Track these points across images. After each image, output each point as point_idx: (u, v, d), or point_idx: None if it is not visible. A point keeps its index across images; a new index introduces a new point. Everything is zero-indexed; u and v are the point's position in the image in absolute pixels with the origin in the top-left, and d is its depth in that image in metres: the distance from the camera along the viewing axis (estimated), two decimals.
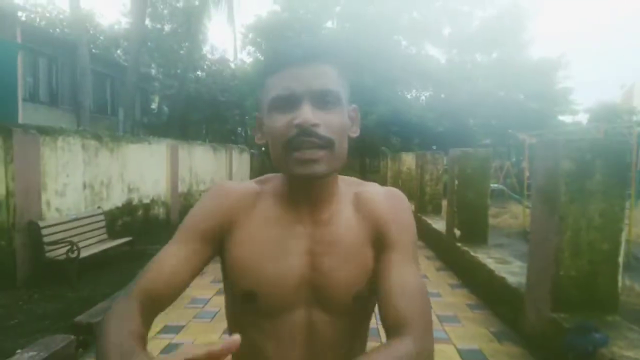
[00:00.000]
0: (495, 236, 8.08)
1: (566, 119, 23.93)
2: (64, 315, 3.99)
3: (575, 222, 3.08)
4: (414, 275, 0.79)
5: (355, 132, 0.85)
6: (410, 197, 11.64)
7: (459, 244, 5.68)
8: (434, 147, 18.75)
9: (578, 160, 3.05)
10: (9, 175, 4.72)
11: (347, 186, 0.90)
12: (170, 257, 0.80)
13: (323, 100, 0.75)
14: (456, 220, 5.92)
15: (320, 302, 0.82)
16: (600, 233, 3.08)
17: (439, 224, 7.16)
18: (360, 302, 0.83)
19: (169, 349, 3.44)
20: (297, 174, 0.75)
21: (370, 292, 0.84)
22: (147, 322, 0.76)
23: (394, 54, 19.87)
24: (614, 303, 3.10)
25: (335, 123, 0.76)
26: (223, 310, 3.26)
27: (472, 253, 5.15)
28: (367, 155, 31.30)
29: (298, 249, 0.82)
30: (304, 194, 0.83)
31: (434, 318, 4.06)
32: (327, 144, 0.74)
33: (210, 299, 4.65)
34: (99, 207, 6.55)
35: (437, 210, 8.64)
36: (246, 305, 0.83)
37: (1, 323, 3.85)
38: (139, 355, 0.63)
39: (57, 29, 18.71)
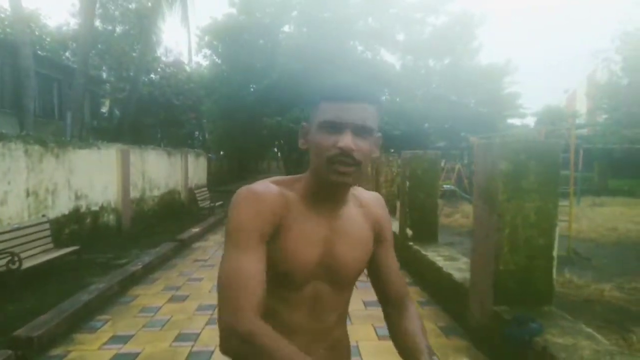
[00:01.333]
0: (447, 235, 8.36)
1: (515, 122, 25.09)
2: (4, 330, 3.78)
3: (513, 220, 3.25)
4: (394, 255, 1.21)
5: (375, 154, 1.06)
6: None
7: (410, 243, 5.83)
8: (392, 150, 19.14)
9: (514, 161, 3.22)
10: None
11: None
12: (251, 268, 0.93)
13: (362, 132, 0.97)
14: (408, 221, 6.08)
15: (328, 278, 1.07)
16: (536, 229, 3.26)
17: (393, 225, 7.32)
18: (356, 276, 1.11)
19: (118, 358, 3.35)
20: (333, 180, 0.97)
21: (362, 269, 1.14)
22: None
23: (350, 59, 20.15)
24: (549, 294, 3.29)
25: (365, 150, 0.98)
26: (174, 318, 3.23)
27: (422, 252, 5.31)
28: None
29: (320, 234, 1.05)
30: (329, 196, 1.05)
31: (383, 315, 4.18)
32: (357, 164, 0.97)
33: (160, 307, 4.55)
34: (43, 216, 6.26)
35: (392, 212, 8.82)
36: (275, 280, 1.01)
37: None
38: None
39: None
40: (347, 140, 0.94)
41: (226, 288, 0.91)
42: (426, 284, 5.08)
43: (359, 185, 1.23)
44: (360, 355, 3.37)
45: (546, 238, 3.27)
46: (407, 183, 6.14)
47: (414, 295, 4.89)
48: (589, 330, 2.86)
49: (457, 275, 4.23)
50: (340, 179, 0.97)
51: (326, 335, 1.11)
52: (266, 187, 1.03)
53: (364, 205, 1.15)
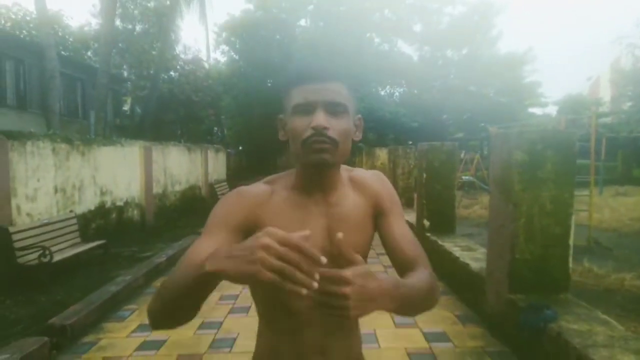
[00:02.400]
0: (466, 226, 8.34)
1: (536, 111, 24.67)
2: (37, 320, 3.99)
3: (529, 209, 3.27)
4: (407, 228, 1.13)
5: (358, 137, 1.07)
6: None
7: (428, 234, 5.87)
8: (410, 142, 19.07)
9: (530, 151, 3.24)
10: None
11: (343, 172, 1.12)
12: (204, 248, 0.91)
13: (333, 109, 0.96)
14: (425, 212, 6.12)
15: (336, 265, 1.01)
16: (552, 218, 3.28)
17: (410, 216, 7.35)
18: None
19: (146, 345, 3.51)
20: (312, 160, 0.96)
21: (367, 253, 1.13)
22: None
23: (368, 52, 20.10)
24: (565, 282, 3.31)
25: (340, 128, 0.97)
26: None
27: (439, 242, 5.35)
28: None
29: (318, 224, 1.03)
30: (316, 182, 1.04)
31: None
32: (333, 143, 0.96)
33: None
34: (71, 211, 6.51)
35: (409, 203, 8.86)
36: None
37: None
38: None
39: (24, 31, 18.24)
40: (318, 119, 0.94)
41: (177, 264, 0.92)
42: (443, 274, 5.12)
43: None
44: (377, 342, 3.46)
45: (562, 227, 3.28)
46: (424, 175, 6.17)
47: None
48: (605, 317, 2.88)
49: (474, 265, 4.27)
50: (317, 156, 0.95)
51: (340, 324, 1.08)
52: (251, 187, 1.06)
53: (359, 184, 1.12)
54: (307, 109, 0.96)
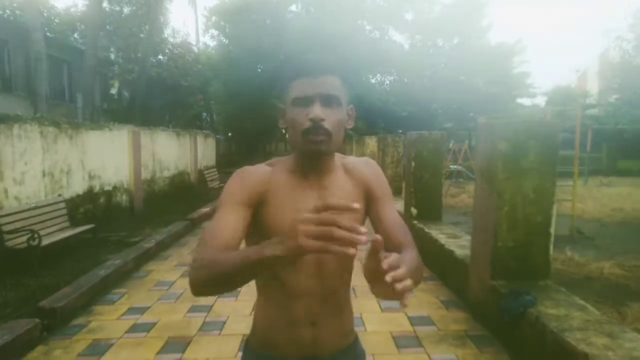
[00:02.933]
0: (453, 215, 8.48)
1: (525, 101, 24.88)
2: (26, 303, 4.01)
3: (512, 198, 3.36)
4: (396, 213, 1.21)
5: (350, 125, 1.15)
6: None
7: (415, 222, 5.97)
8: (400, 131, 19.15)
9: (513, 141, 3.32)
10: None
11: (337, 159, 1.21)
12: (224, 221, 1.04)
13: (329, 101, 1.05)
14: (413, 200, 6.21)
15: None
16: (534, 207, 3.38)
17: (398, 204, 7.46)
18: None
19: (136, 327, 3.56)
20: (309, 150, 1.06)
21: None
22: None
23: (359, 39, 20.01)
24: (546, 269, 3.42)
25: (335, 119, 1.06)
26: (187, 292, 3.45)
27: (426, 230, 5.45)
28: None
29: (309, 207, 1.07)
30: (312, 167, 1.13)
31: None
32: (328, 134, 1.05)
33: (174, 281, 4.76)
34: (59, 195, 6.48)
35: (397, 192, 8.95)
36: None
37: None
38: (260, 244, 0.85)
39: (7, 11, 17.82)
40: (315, 111, 1.03)
41: (202, 238, 1.03)
42: (429, 261, 5.23)
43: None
44: (364, 325, 3.55)
45: (544, 215, 3.38)
46: (412, 163, 6.24)
47: None
48: (582, 302, 3.00)
49: (459, 252, 4.38)
50: (314, 147, 1.06)
51: (331, 299, 1.17)
52: (255, 167, 1.17)
53: (351, 170, 1.21)
54: (305, 101, 1.05)
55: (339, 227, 0.73)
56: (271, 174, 1.15)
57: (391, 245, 1.11)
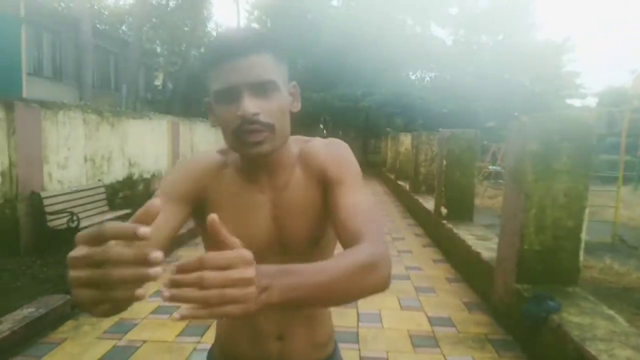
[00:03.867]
0: (489, 217, 8.25)
1: (575, 102, 23.81)
2: (64, 280, 4.24)
3: (541, 200, 3.25)
4: (360, 198, 0.90)
5: (296, 107, 0.93)
6: (406, 177, 11.62)
7: (444, 222, 5.87)
8: (440, 129, 18.77)
9: (545, 142, 3.20)
10: (11, 147, 4.94)
11: (295, 145, 0.99)
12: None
13: (261, 88, 0.82)
14: (443, 199, 6.10)
15: (287, 252, 0.97)
16: (564, 211, 3.25)
17: (429, 203, 7.34)
18: (318, 245, 0.99)
19: (160, 310, 3.70)
20: (247, 153, 0.86)
21: (328, 236, 1.00)
22: None
23: (399, 34, 19.74)
24: (574, 275, 3.28)
25: (274, 108, 0.84)
26: None
27: (454, 230, 5.34)
28: (371, 136, 31.20)
29: (263, 214, 0.95)
30: (260, 167, 0.94)
31: (410, 289, 4.31)
32: (268, 128, 0.84)
33: None
34: (99, 180, 6.78)
35: (430, 190, 8.80)
36: None
37: (6, 286, 4.11)
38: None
39: (62, 4, 18.72)
40: (245, 106, 0.81)
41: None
42: (456, 262, 5.14)
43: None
44: (381, 321, 3.54)
45: (575, 220, 3.25)
46: (444, 162, 6.13)
47: (442, 271, 4.98)
48: (610, 312, 2.86)
49: (485, 254, 4.27)
50: (255, 150, 0.84)
51: (300, 310, 1.03)
52: (204, 154, 0.99)
53: (307, 158, 0.98)
54: (230, 94, 0.82)
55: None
56: (221, 166, 0.97)
57: (345, 236, 0.85)
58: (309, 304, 0.74)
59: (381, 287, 0.78)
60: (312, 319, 1.06)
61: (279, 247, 0.98)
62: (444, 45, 22.49)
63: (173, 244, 5.73)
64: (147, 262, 0.50)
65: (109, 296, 0.51)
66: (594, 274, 5.13)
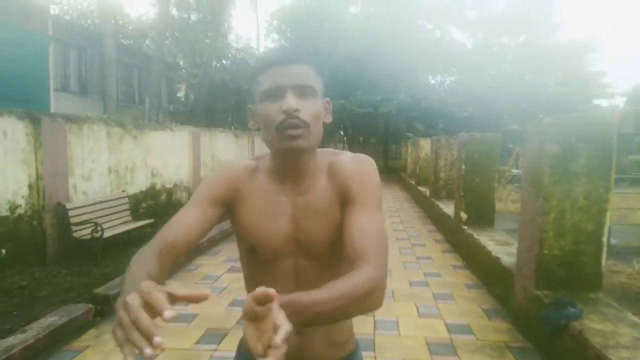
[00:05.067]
0: (512, 221, 8.07)
1: (602, 102, 23.17)
2: (88, 289, 4.35)
3: (560, 204, 3.17)
4: (372, 220, 0.98)
5: (328, 120, 1.06)
6: (426, 182, 11.50)
7: (464, 227, 5.78)
8: (461, 133, 18.53)
9: (562, 143, 3.13)
10: (38, 160, 5.12)
11: (323, 157, 1.09)
12: (186, 216, 1.01)
13: (302, 91, 0.96)
14: (462, 204, 6.01)
15: (303, 252, 1.06)
16: (584, 214, 3.16)
17: (449, 209, 7.25)
18: (333, 249, 1.06)
19: (179, 318, 3.75)
20: (287, 147, 0.96)
21: (341, 240, 1.06)
22: (163, 267, 0.93)
23: (418, 39, 19.64)
24: (596, 281, 3.19)
25: (311, 110, 0.97)
26: (231, 286, 3.57)
27: (475, 236, 5.26)
28: (391, 141, 31.04)
29: (284, 215, 1.05)
30: (288, 169, 1.04)
31: (428, 295, 4.26)
32: (305, 125, 0.95)
33: (220, 276, 4.95)
34: (123, 191, 6.95)
35: (450, 195, 8.69)
36: (251, 254, 1.09)
37: (33, 294, 4.25)
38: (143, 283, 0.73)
39: (88, 21, 19.37)
40: (289, 101, 0.94)
41: (165, 226, 0.99)
42: (476, 268, 5.05)
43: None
44: (398, 329, 3.50)
45: (596, 224, 3.16)
46: (463, 166, 6.05)
47: (462, 278, 4.90)
48: (635, 319, 2.77)
49: (506, 260, 4.18)
50: (293, 143, 0.95)
51: None
52: (237, 162, 1.11)
53: (334, 170, 1.06)
54: (276, 93, 0.96)
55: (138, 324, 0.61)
56: (251, 171, 1.09)
57: (350, 256, 0.94)
58: (311, 324, 0.83)
59: (375, 308, 0.89)
60: None
61: (295, 247, 1.06)
62: (464, 48, 22.27)
63: (194, 252, 5.81)
64: (150, 340, 0.61)
65: (126, 343, 0.62)
66: (622, 278, 4.96)
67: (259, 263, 1.10)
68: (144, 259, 0.92)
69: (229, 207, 1.07)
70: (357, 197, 1.01)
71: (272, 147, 1.03)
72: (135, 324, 0.61)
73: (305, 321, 0.77)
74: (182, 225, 0.99)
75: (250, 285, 1.15)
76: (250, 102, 1.07)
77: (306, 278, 1.07)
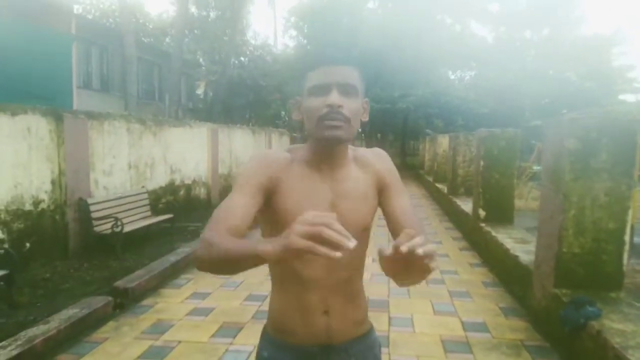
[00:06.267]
0: (532, 219, 7.90)
1: (629, 97, 22.55)
2: (109, 282, 4.44)
3: (580, 201, 3.10)
4: (407, 200, 1.23)
5: (365, 118, 1.17)
6: (444, 179, 11.37)
7: (482, 225, 5.70)
8: (481, 129, 18.24)
9: (583, 139, 3.05)
10: (60, 156, 5.25)
11: (349, 151, 1.22)
12: (237, 203, 1.06)
13: (346, 90, 1.06)
14: (481, 201, 5.93)
15: None
16: (605, 211, 3.08)
17: (467, 206, 7.16)
18: (366, 232, 1.21)
19: (196, 311, 3.81)
20: (327, 136, 1.06)
21: (371, 226, 1.23)
22: None
23: (437, 34, 19.38)
24: (618, 280, 3.11)
25: (352, 107, 1.07)
26: (247, 281, 3.59)
27: (493, 233, 5.18)
28: (409, 137, 30.73)
29: (324, 200, 1.13)
30: (326, 158, 1.14)
31: (444, 293, 4.24)
32: (346, 120, 1.05)
33: None
34: (143, 187, 7.06)
35: (469, 192, 8.58)
36: None
37: (56, 287, 4.36)
38: (257, 237, 0.88)
39: (110, 19, 19.70)
40: (333, 97, 1.04)
41: (214, 215, 1.03)
42: (494, 266, 4.99)
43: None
44: (413, 326, 3.48)
45: (617, 221, 3.08)
46: (481, 162, 5.96)
47: (479, 276, 4.84)
48: None
49: (524, 258, 4.11)
50: (332, 132, 1.05)
51: (342, 287, 1.19)
52: (274, 151, 1.20)
53: (362, 162, 1.22)
54: (322, 89, 1.06)
55: (331, 228, 0.72)
56: (288, 161, 1.16)
57: (399, 232, 1.11)
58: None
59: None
60: (353, 298, 1.23)
61: None
62: (485, 43, 21.91)
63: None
64: (346, 236, 0.72)
65: (314, 249, 0.72)
66: None
67: None
68: (224, 238, 0.95)
69: (270, 193, 1.11)
70: (391, 186, 1.23)
71: (313, 135, 1.12)
72: (329, 226, 0.72)
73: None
74: (238, 211, 1.04)
75: (280, 273, 1.21)
76: (292, 97, 1.18)
77: (338, 261, 1.09)
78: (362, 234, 1.17)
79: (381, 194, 1.22)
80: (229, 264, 0.91)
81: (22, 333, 3.08)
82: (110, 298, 3.78)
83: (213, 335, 3.35)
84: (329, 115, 1.04)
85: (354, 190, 1.16)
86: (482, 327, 3.46)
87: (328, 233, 0.71)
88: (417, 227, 1.11)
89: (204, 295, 4.20)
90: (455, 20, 21.94)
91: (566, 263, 3.16)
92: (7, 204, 4.60)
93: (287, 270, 1.16)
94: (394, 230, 1.17)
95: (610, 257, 3.11)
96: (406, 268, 0.81)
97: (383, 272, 0.84)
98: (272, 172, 1.11)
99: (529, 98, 20.62)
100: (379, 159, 1.25)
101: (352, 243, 0.72)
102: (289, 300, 1.19)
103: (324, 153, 1.14)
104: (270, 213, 1.13)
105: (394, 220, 1.18)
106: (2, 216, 4.55)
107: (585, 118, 3.11)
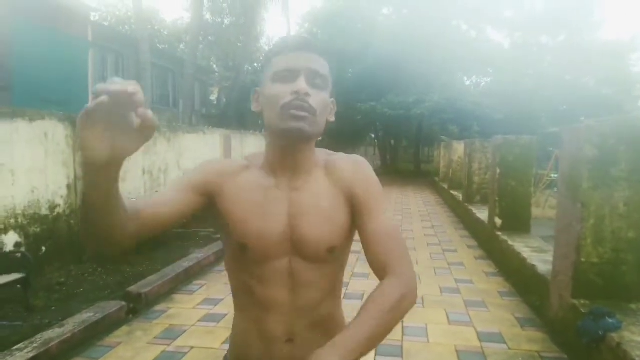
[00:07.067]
0: (550, 228, 7.75)
1: None
2: (122, 287, 4.47)
3: (598, 210, 3.03)
4: (384, 222, 0.98)
5: (332, 118, 1.03)
6: (459, 186, 11.24)
7: (498, 233, 5.62)
8: (497, 136, 18.04)
9: (601, 146, 2.99)
10: (76, 162, 5.32)
11: (318, 155, 1.05)
12: (161, 196, 0.96)
13: (315, 79, 0.94)
14: (497, 209, 5.85)
15: (299, 253, 0.99)
16: (625, 221, 3.01)
17: (483, 214, 7.07)
18: (334, 254, 1.02)
19: (208, 317, 3.81)
20: (289, 127, 0.91)
21: (344, 246, 1.04)
22: (130, 214, 0.84)
23: (452, 40, 19.28)
24: (638, 291, 3.02)
25: (320, 99, 0.94)
26: None
27: (509, 242, 5.10)
28: (424, 144, 30.54)
29: (278, 210, 0.99)
30: (285, 160, 0.99)
31: (459, 302, 4.16)
32: (312, 112, 0.91)
33: None
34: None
35: (485, 200, 8.46)
36: (239, 254, 1.00)
37: (71, 291, 4.40)
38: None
39: (126, 26, 20.03)
40: (301, 84, 0.91)
41: None
42: (510, 275, 4.90)
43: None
44: (427, 336, 3.43)
45: (637, 231, 3.01)
46: (497, 170, 5.88)
47: (494, 285, 4.76)
48: None
49: (542, 267, 4.03)
50: (296, 123, 0.90)
51: (310, 312, 1.03)
52: (225, 159, 1.13)
53: (334, 172, 1.03)
54: (288, 75, 0.93)
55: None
56: (241, 167, 1.04)
57: (374, 264, 0.95)
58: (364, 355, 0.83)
59: (409, 309, 0.93)
60: (321, 323, 1.06)
61: (290, 247, 1.00)
62: (501, 48, 21.74)
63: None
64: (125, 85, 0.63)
65: (106, 89, 0.63)
66: None
67: (248, 265, 1.01)
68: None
69: (210, 197, 0.99)
70: (366, 204, 1.00)
71: (272, 128, 0.96)
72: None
73: (358, 356, 0.80)
74: (157, 202, 0.94)
75: (239, 294, 1.08)
76: (258, 86, 1.03)
77: (298, 279, 1.00)
78: (327, 255, 1.01)
79: (354, 213, 1.01)
80: (86, 199, 0.75)
81: (38, 336, 3.11)
82: (123, 303, 3.80)
83: (225, 342, 3.34)
84: (294, 103, 0.90)
85: (315, 204, 0.99)
86: (498, 338, 3.39)
87: (113, 87, 0.62)
88: (391, 255, 0.93)
89: (216, 302, 4.20)
90: (470, 26, 21.83)
91: (584, 273, 3.09)
92: (24, 208, 4.67)
93: (247, 291, 1.04)
94: (367, 257, 0.97)
95: (629, 267, 3.03)
96: None
97: None
98: (213, 177, 1.00)
99: (545, 104, 20.33)
100: (356, 171, 1.03)
101: (132, 87, 0.63)
102: (249, 326, 1.06)
103: (284, 153, 0.99)
104: (221, 221, 1.02)
105: (366, 248, 0.97)
106: (20, 220, 4.62)
107: (603, 125, 3.04)
